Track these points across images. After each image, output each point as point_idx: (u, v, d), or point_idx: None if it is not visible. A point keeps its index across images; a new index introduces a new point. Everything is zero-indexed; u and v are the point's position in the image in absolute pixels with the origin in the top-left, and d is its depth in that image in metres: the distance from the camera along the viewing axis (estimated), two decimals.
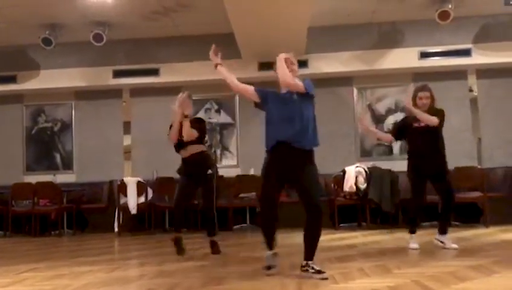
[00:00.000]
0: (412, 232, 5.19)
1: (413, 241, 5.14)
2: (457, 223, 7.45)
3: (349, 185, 7.47)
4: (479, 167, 8.23)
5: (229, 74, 4.12)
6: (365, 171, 7.59)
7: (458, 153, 8.16)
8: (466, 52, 8.19)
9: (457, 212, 7.55)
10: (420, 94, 5.13)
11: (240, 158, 8.93)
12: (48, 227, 8.22)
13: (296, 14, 6.78)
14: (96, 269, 4.34)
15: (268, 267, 3.79)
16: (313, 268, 3.65)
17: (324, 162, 8.28)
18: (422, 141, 5.10)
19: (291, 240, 5.27)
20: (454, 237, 6.06)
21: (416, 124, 5.12)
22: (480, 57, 8.20)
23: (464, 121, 8.54)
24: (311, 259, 3.70)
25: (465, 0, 7.52)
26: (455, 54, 8.22)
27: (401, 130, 5.35)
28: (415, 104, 5.10)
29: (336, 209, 7.58)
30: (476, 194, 7.44)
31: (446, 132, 8.56)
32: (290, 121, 3.78)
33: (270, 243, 3.84)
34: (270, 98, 3.97)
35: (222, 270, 4.16)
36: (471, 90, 8.85)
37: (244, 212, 8.23)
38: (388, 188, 7.52)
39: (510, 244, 5.45)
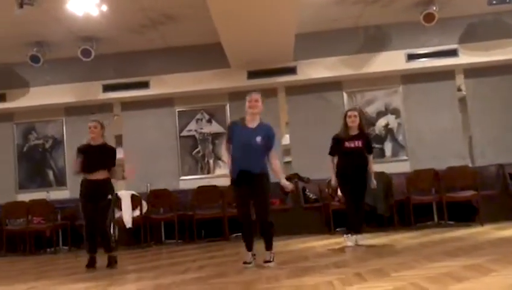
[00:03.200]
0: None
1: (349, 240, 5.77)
2: (451, 222, 7.49)
3: None
4: (470, 165, 8.28)
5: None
6: None
7: (450, 153, 8.24)
8: (453, 53, 8.28)
9: (452, 212, 7.59)
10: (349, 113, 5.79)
11: None
12: (42, 245, 8.15)
13: (282, 21, 6.81)
14: (92, 286, 4.30)
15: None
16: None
17: (317, 168, 8.37)
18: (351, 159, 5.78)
19: None
20: (451, 237, 6.09)
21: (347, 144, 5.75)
22: (467, 57, 8.29)
23: (453, 120, 8.60)
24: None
25: (449, 2, 7.60)
26: (442, 55, 8.31)
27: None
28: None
29: (330, 214, 7.59)
30: (469, 192, 7.47)
31: (437, 133, 8.63)
32: None
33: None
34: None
35: (218, 281, 4.14)
36: (459, 90, 8.91)
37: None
38: (382, 190, 7.52)
39: (506, 241, 5.45)
